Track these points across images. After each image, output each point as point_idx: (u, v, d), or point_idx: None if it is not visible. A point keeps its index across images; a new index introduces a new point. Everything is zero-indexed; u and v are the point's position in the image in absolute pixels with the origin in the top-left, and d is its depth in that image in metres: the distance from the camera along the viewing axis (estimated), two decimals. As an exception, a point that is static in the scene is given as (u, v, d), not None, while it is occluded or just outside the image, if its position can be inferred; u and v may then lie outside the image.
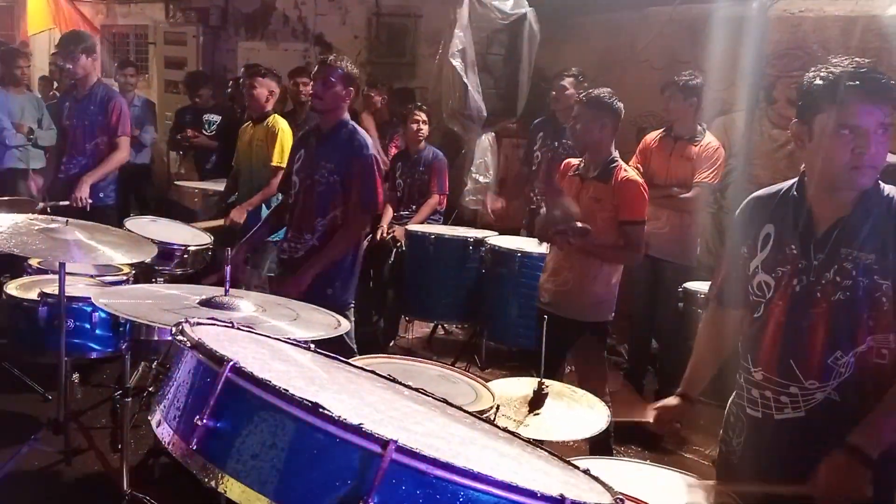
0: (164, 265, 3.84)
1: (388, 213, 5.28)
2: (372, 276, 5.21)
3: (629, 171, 3.32)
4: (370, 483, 0.95)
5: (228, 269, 1.86)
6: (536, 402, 2.40)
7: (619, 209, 3.22)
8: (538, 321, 2.64)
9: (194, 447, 1.02)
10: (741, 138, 5.02)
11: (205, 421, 1.03)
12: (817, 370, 1.81)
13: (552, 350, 2.98)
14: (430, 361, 2.75)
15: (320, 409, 0.97)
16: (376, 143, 5.52)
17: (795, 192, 1.89)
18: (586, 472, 1.39)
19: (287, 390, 0.99)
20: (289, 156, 3.76)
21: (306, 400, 0.98)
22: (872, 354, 1.77)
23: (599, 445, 3.13)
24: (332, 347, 1.64)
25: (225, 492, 0.99)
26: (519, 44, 5.64)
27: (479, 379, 2.56)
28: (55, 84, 6.82)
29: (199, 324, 1.32)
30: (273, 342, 1.50)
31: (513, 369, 4.39)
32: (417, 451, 0.96)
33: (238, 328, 1.45)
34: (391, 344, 5.11)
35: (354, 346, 3.38)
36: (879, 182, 1.81)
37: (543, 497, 1.01)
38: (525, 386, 2.50)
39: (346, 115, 3.49)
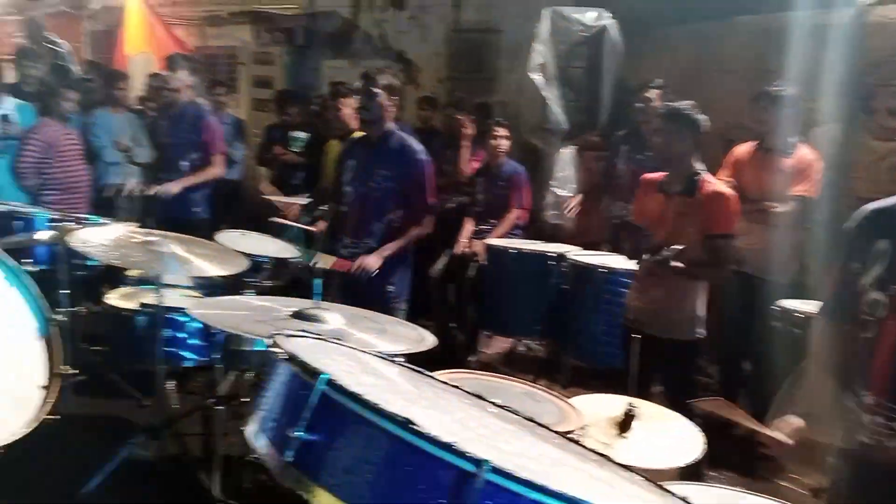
0: (253, 277, 3.96)
1: (468, 227, 5.29)
2: (451, 291, 5.21)
3: (716, 183, 3.21)
4: (463, 503, 0.93)
5: (319, 282, 1.89)
6: (625, 423, 2.32)
7: (707, 223, 3.11)
8: (625, 339, 2.57)
9: (289, 459, 1.03)
10: (838, 150, 4.78)
11: (299, 433, 1.04)
12: None
13: (641, 369, 2.90)
14: (512, 378, 2.71)
15: (412, 426, 0.96)
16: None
17: None
18: (685, 500, 1.33)
19: (380, 405, 0.99)
20: (336, 168, 3.89)
21: (399, 416, 0.98)
22: None
23: (690, 469, 3.01)
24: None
25: (318, 505, 0.99)
26: (600, 56, 5.56)
27: (563, 398, 2.50)
28: (147, 104, 7.17)
29: (291, 335, 1.35)
30: (361, 355, 1.51)
31: (596, 388, 4.28)
32: (511, 472, 0.94)
33: (328, 341, 1.47)
34: (470, 359, 5.09)
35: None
36: None
37: (642, 525, 0.97)
38: (612, 406, 2.42)
39: (393, 125, 3.67)
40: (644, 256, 3.15)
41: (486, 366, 5.03)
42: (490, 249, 4.88)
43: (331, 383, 1.04)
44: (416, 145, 3.62)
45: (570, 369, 4.81)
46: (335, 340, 1.48)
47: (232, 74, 9.63)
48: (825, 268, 4.61)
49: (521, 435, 1.38)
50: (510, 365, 5.29)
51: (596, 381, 4.70)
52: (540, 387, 2.66)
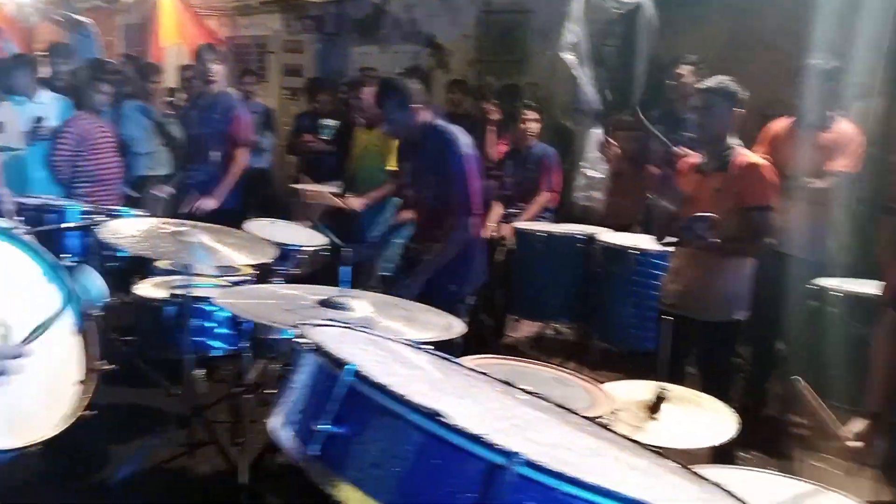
0: (282, 265, 3.96)
1: (497, 210, 5.24)
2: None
3: (750, 155, 3.13)
4: (494, 497, 0.90)
5: (348, 269, 1.87)
6: (655, 406, 2.28)
7: (743, 195, 3.04)
8: (659, 322, 2.52)
9: (315, 452, 1.01)
10: (879, 125, 4.62)
11: (325, 426, 1.02)
12: None
13: (674, 353, 2.84)
14: (541, 363, 2.67)
15: (440, 418, 0.93)
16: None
17: None
18: (720, 486, 1.29)
19: (407, 397, 0.96)
20: (399, 173, 3.79)
21: (427, 407, 0.95)
22: None
23: (722, 453, 2.96)
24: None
25: (345, 500, 0.97)
26: (635, 33, 5.42)
27: (594, 382, 2.46)
28: (178, 95, 7.22)
29: (317, 325, 1.32)
30: (390, 343, 1.49)
31: (626, 372, 4.24)
32: (545, 465, 0.90)
33: (357, 330, 1.44)
34: (499, 343, 5.06)
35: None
36: None
37: (680, 518, 0.94)
38: (642, 389, 2.38)
39: (427, 116, 3.36)
40: (677, 235, 3.06)
41: (514, 350, 5.01)
42: (518, 233, 4.84)
43: (358, 374, 1.01)
44: (454, 137, 3.27)
45: (598, 353, 4.76)
46: (363, 329, 1.45)
47: (262, 63, 9.67)
48: (863, 247, 4.50)
49: (554, 423, 1.35)
50: (538, 349, 5.25)
51: (625, 364, 4.65)
52: (569, 371, 2.62)
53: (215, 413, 3.59)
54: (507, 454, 0.91)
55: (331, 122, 6.54)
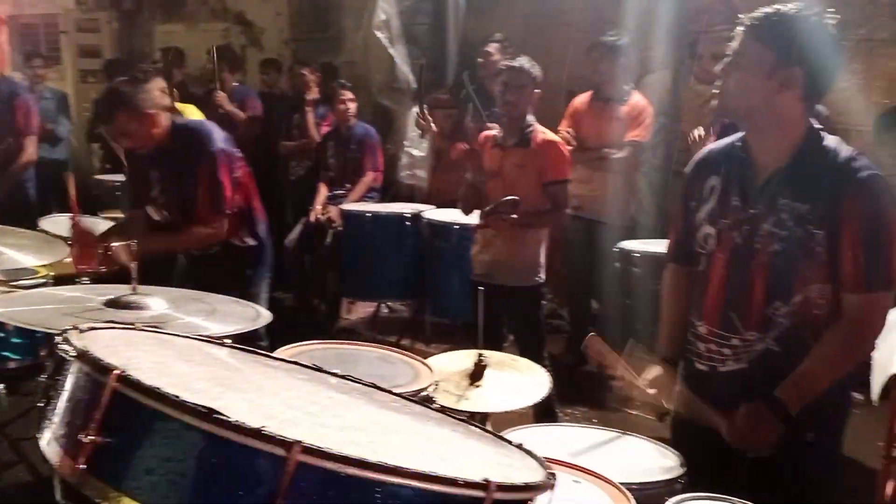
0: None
1: (322, 194, 5.17)
2: (309, 260, 5.09)
3: (547, 132, 3.36)
4: (277, 489, 0.89)
5: (135, 265, 1.75)
6: (476, 374, 2.37)
7: (543, 171, 3.26)
8: (473, 293, 2.62)
9: (83, 466, 0.94)
10: (668, 96, 5.05)
11: (93, 437, 0.94)
12: (757, 321, 1.80)
13: (491, 320, 2.96)
14: (368, 344, 2.69)
15: (215, 415, 0.90)
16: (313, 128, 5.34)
17: (739, 143, 1.88)
18: (520, 446, 1.35)
19: (179, 397, 0.92)
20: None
21: (200, 406, 0.91)
22: (811, 304, 1.77)
23: (544, 411, 3.14)
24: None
25: (121, 513, 0.91)
26: (444, 12, 5.53)
27: (417, 357, 2.51)
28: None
29: (93, 329, 1.23)
30: (183, 341, 1.41)
31: (458, 343, 4.36)
32: (326, 449, 0.90)
33: (142, 329, 1.36)
34: (334, 327, 5.03)
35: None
36: (820, 132, 1.80)
37: (466, 483, 0.97)
38: (465, 359, 2.46)
39: (166, 120, 2.98)
40: (484, 210, 3.22)
41: (351, 332, 4.99)
42: (345, 214, 4.81)
43: (123, 379, 0.95)
44: (206, 132, 3.00)
45: (431, 327, 4.87)
46: (150, 328, 1.37)
47: (54, 44, 8.82)
48: (660, 209, 4.93)
49: (358, 405, 1.35)
50: (374, 329, 5.28)
51: (457, 336, 4.80)
52: (394, 349, 2.65)
53: (23, 429, 3.28)
54: (287, 444, 0.89)
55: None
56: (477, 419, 2.25)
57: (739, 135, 1.90)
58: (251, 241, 3.18)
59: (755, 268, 1.80)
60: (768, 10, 1.75)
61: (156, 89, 2.89)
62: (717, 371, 1.88)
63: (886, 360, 2.53)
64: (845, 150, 1.77)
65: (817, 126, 1.81)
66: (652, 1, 4.85)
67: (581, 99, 4.49)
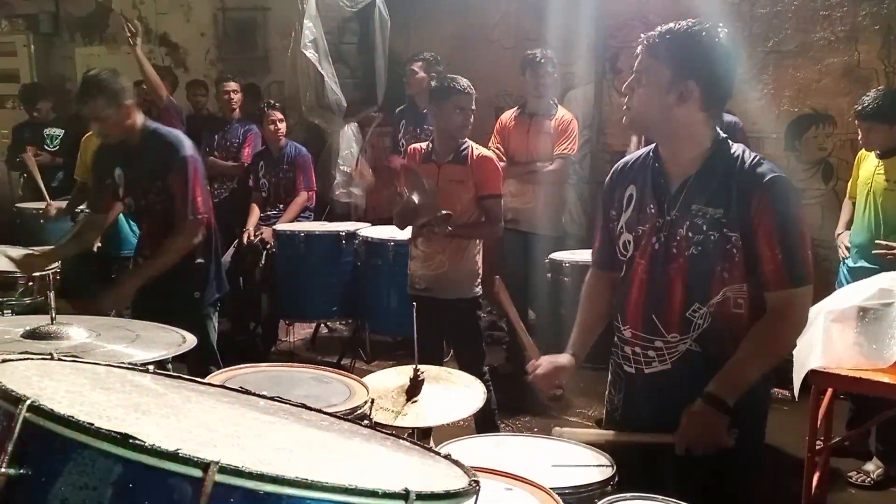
0: (8, 297, 3.53)
1: (255, 214, 5.11)
2: (243, 282, 5.02)
3: (481, 148, 3.44)
4: (198, 510, 0.89)
5: (52, 294, 1.71)
6: (413, 389, 2.39)
7: (479, 185, 3.33)
8: (412, 309, 2.64)
9: (-5, 501, 0.92)
10: (591, 109, 5.21)
11: (5, 470, 0.93)
12: (677, 323, 1.87)
13: (431, 335, 3.00)
14: (302, 364, 2.68)
15: (130, 440, 0.89)
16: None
17: (652, 154, 1.96)
18: (447, 457, 1.37)
19: (92, 424, 0.91)
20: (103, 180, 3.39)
21: (114, 432, 0.90)
22: (729, 305, 1.85)
23: (486, 422, 3.18)
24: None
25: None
26: (371, 31, 5.57)
27: (352, 376, 2.51)
28: None
29: (6, 360, 1.20)
30: (103, 370, 1.39)
31: (400, 360, 4.38)
32: (242, 468, 0.90)
33: (60, 359, 1.33)
34: (272, 350, 4.96)
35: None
36: (728, 140, 1.89)
37: (385, 494, 0.98)
38: (402, 375, 2.48)
39: (139, 117, 3.14)
40: (416, 224, 3.26)
41: (290, 354, 4.94)
42: (279, 235, 4.77)
43: (33, 408, 0.93)
44: (173, 138, 3.13)
45: (371, 344, 4.87)
46: (69, 358, 1.34)
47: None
48: (589, 220, 5.07)
49: (283, 425, 1.35)
50: (314, 349, 5.24)
51: (398, 352, 4.81)
52: (329, 369, 2.65)
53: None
54: (203, 464, 0.89)
55: (57, 130, 5.93)
56: (419, 434, 2.28)
57: (653, 146, 1.99)
58: (200, 259, 3.18)
59: (673, 272, 1.88)
60: (662, 28, 1.85)
61: (130, 87, 3.15)
62: (644, 373, 1.95)
63: (805, 357, 2.65)
64: (750, 156, 1.87)
65: (723, 135, 1.91)
66: (573, 18, 5.01)
67: (508, 115, 4.59)
